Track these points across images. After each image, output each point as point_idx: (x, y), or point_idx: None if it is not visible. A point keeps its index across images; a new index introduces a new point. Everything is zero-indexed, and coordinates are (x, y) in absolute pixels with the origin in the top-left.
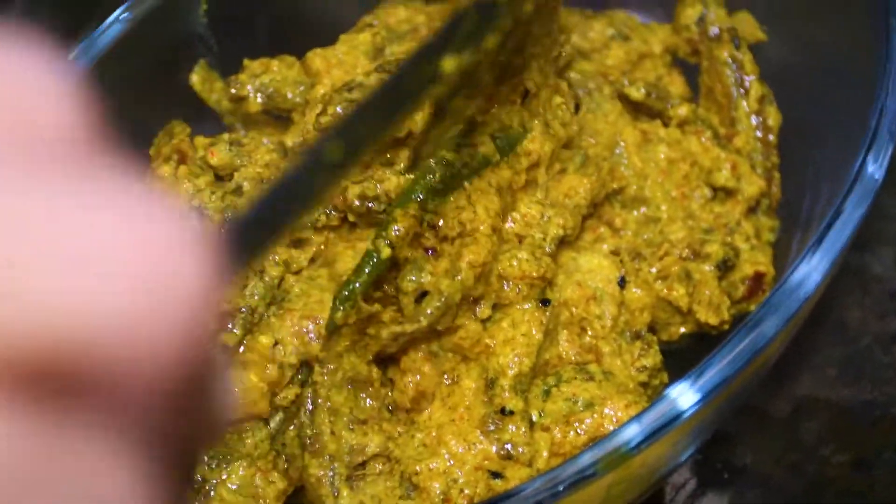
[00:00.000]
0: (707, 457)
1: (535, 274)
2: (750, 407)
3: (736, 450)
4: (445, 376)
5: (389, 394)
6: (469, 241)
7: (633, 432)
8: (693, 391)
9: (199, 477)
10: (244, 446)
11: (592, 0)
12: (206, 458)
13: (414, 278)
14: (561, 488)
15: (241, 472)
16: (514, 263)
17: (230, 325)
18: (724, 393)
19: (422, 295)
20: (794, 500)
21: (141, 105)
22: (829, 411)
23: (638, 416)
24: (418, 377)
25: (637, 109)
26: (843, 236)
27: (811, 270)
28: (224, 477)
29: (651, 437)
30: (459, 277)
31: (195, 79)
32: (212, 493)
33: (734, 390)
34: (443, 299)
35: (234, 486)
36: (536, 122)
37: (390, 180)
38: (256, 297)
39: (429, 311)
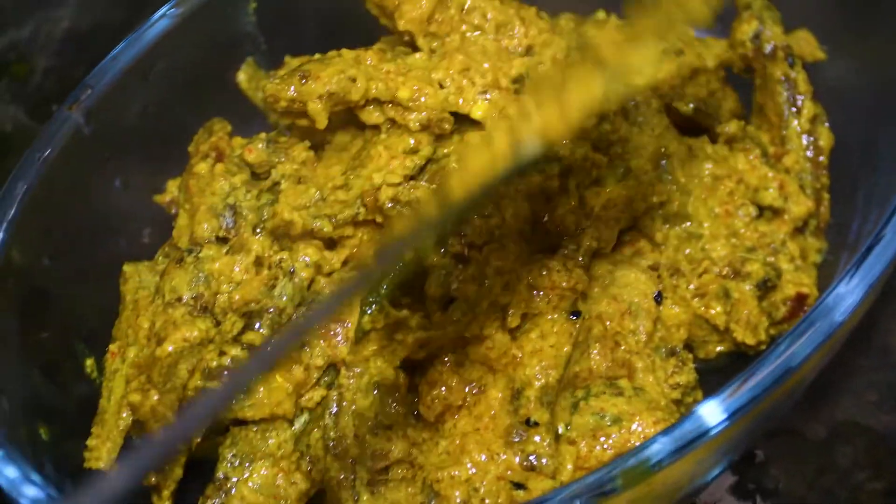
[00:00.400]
0: (740, 477)
1: (565, 284)
2: (785, 429)
3: (769, 471)
4: (472, 385)
5: (416, 400)
6: (496, 248)
7: (656, 449)
8: (720, 410)
9: (220, 474)
10: (268, 446)
11: None
12: (229, 456)
13: (441, 284)
14: (579, 502)
15: (263, 472)
16: (545, 273)
17: (257, 325)
18: (752, 413)
19: (449, 301)
20: None
21: (186, 102)
22: (867, 437)
23: (663, 433)
24: (444, 390)
25: (685, 124)
26: (882, 260)
27: (847, 293)
28: (246, 475)
29: (675, 454)
30: (486, 284)
31: (242, 77)
32: (233, 490)
33: (763, 410)
34: (469, 306)
35: (255, 485)
36: None
37: (421, 187)
38: (285, 298)
39: (455, 318)
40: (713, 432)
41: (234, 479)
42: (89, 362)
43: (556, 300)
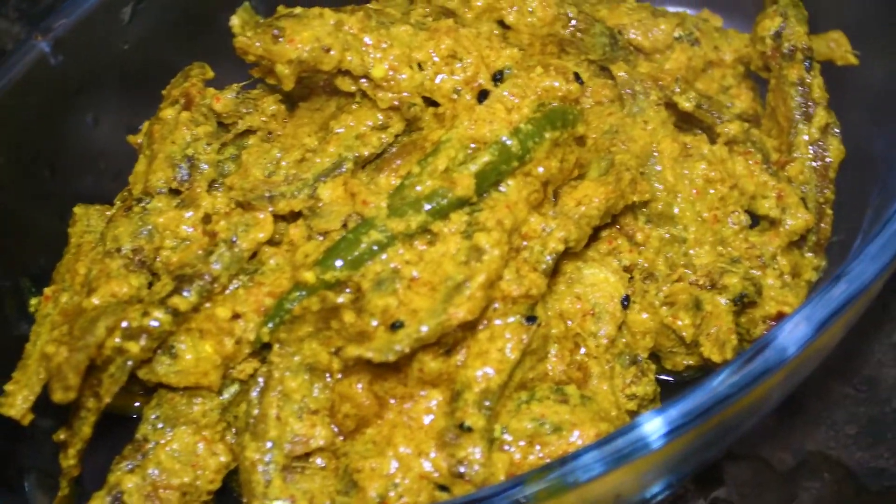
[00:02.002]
0: (694, 493)
1: (516, 293)
2: (750, 454)
3: (728, 495)
4: (393, 400)
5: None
6: None
7: (576, 464)
8: (657, 429)
9: (140, 436)
10: (192, 412)
11: None
12: (151, 418)
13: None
14: None
15: (185, 439)
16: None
17: (186, 291)
18: (680, 440)
19: (395, 324)
20: None
21: (172, 42)
22: (836, 472)
23: (587, 448)
24: (354, 409)
25: (686, 120)
26: (833, 304)
27: (798, 323)
28: (166, 440)
29: (589, 473)
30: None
31: (236, 21)
32: (150, 454)
33: (689, 445)
34: (420, 336)
35: (174, 451)
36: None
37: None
38: (219, 267)
39: (397, 348)
40: (642, 453)
41: (153, 443)
42: (34, 301)
43: (504, 307)
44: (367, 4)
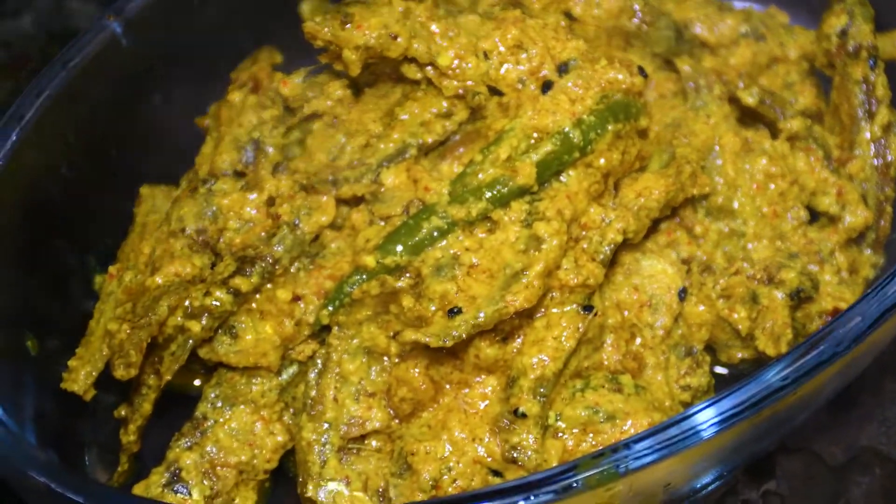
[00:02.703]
0: (746, 485)
1: (574, 282)
2: (802, 447)
3: (779, 489)
4: (449, 385)
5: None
6: None
7: (626, 452)
8: (709, 419)
9: (199, 413)
10: (251, 392)
11: None
12: (211, 396)
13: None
14: (533, 497)
15: (243, 418)
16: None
17: (248, 271)
18: (730, 431)
19: (453, 310)
20: None
21: (243, 25)
22: (887, 468)
23: (637, 437)
24: (411, 393)
25: (749, 115)
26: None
27: (853, 319)
28: (224, 419)
29: (640, 461)
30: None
31: (306, 8)
32: (209, 432)
33: (741, 433)
34: (477, 322)
35: (232, 430)
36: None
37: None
38: (280, 249)
39: (454, 333)
40: (693, 442)
41: (212, 421)
42: (99, 279)
43: (561, 297)
44: None
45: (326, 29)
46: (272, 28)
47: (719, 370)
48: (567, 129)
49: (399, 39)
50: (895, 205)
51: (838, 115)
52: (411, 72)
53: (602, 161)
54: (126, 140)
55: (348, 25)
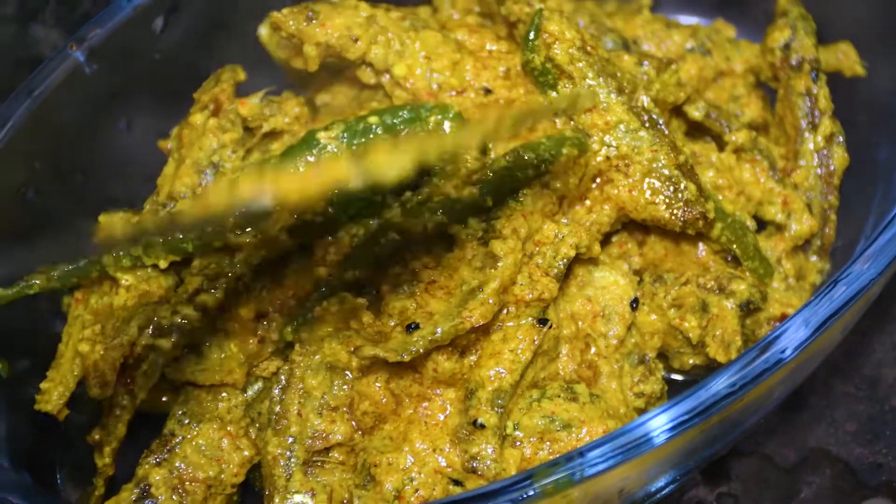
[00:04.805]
0: (700, 488)
1: (530, 297)
2: (754, 451)
3: (731, 490)
4: (409, 399)
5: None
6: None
7: (581, 460)
8: (661, 426)
9: (167, 430)
10: (217, 409)
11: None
12: (178, 413)
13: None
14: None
15: (210, 434)
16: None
17: (212, 288)
18: (672, 443)
19: (411, 325)
20: None
21: (202, 49)
22: (836, 468)
23: (591, 445)
24: (372, 407)
25: (696, 129)
26: (832, 307)
27: (798, 325)
28: (192, 435)
29: (595, 468)
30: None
31: (263, 31)
32: (177, 448)
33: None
34: (435, 337)
35: (200, 446)
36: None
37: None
38: (240, 265)
39: (412, 348)
40: (646, 448)
41: (180, 438)
42: (67, 300)
43: (517, 311)
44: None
45: (291, 22)
46: (231, 51)
47: (672, 377)
48: (519, 149)
49: (359, 43)
50: (839, 212)
51: (783, 126)
52: (366, 76)
53: (558, 184)
54: (92, 165)
55: (313, 21)
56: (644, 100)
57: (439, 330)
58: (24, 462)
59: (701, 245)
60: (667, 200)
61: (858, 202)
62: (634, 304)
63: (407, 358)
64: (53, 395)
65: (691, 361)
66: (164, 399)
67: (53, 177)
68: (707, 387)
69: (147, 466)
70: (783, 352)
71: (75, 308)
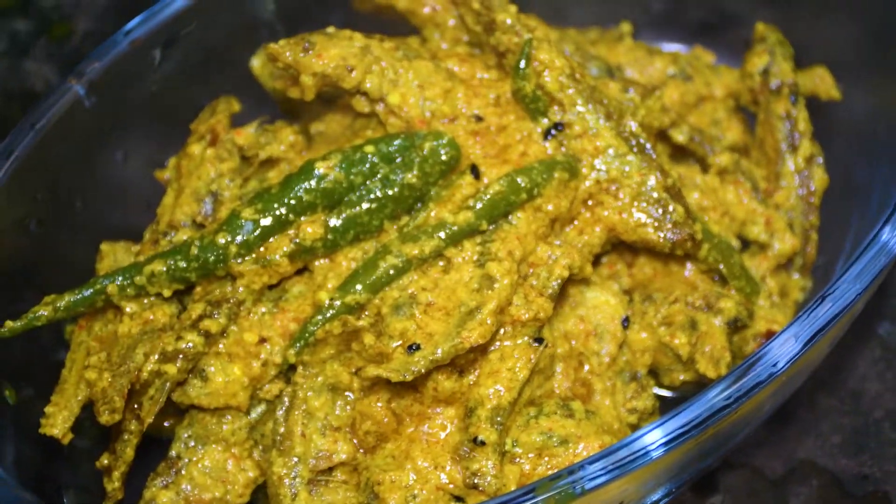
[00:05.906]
0: (691, 501)
1: (526, 317)
2: (743, 463)
3: (722, 502)
4: (410, 417)
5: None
6: None
7: (582, 473)
8: (657, 440)
9: (173, 453)
10: (222, 431)
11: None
12: (183, 437)
13: (403, 326)
14: None
15: (216, 456)
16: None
17: (215, 314)
18: (674, 452)
19: (412, 346)
20: None
21: (196, 81)
22: (823, 479)
23: (591, 459)
24: (374, 426)
25: (680, 152)
26: (822, 319)
27: (787, 340)
28: (197, 457)
29: (594, 482)
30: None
31: (256, 63)
32: (183, 471)
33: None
34: (435, 357)
35: (206, 468)
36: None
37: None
38: (242, 290)
39: (414, 368)
40: (643, 462)
41: (186, 460)
42: (69, 328)
43: (513, 330)
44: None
45: (288, 53)
46: (226, 82)
47: (662, 393)
48: (512, 174)
49: (354, 73)
50: (819, 232)
51: (764, 148)
52: (360, 105)
53: (550, 207)
54: (92, 196)
55: (310, 52)
56: (632, 125)
57: (439, 350)
58: (31, 484)
59: (688, 265)
60: (656, 223)
61: (836, 222)
62: (625, 322)
63: (409, 377)
64: (58, 419)
65: (681, 378)
66: (168, 423)
67: (55, 208)
68: (701, 401)
69: (154, 489)
70: (775, 365)
71: (79, 334)
